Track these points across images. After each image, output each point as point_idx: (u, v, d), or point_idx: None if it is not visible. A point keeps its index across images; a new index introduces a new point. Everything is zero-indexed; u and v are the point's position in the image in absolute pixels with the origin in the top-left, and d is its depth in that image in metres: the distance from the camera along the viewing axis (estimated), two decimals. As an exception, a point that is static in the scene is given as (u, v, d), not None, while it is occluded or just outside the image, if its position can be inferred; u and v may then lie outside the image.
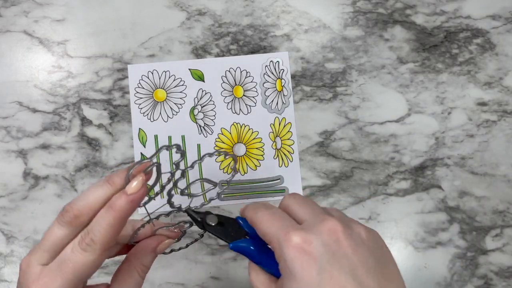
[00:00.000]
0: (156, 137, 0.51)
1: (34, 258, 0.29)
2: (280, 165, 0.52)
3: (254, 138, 0.52)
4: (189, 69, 0.53)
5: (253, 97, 0.53)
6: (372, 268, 0.27)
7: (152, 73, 0.52)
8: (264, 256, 0.32)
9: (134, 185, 0.29)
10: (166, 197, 0.33)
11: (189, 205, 0.36)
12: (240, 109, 0.52)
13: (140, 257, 0.34)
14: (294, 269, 0.27)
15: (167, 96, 0.52)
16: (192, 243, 0.40)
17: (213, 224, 0.34)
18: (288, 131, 0.52)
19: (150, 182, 0.31)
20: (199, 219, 0.34)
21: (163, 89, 0.52)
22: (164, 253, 0.39)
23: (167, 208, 0.35)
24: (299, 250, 0.27)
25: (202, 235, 0.38)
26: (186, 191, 0.36)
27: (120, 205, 0.28)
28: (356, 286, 0.26)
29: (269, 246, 0.31)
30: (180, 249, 0.40)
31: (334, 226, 0.28)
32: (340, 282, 0.26)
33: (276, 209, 0.32)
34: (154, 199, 0.34)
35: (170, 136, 0.51)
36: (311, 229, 0.28)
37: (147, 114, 0.52)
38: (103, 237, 0.28)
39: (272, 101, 0.53)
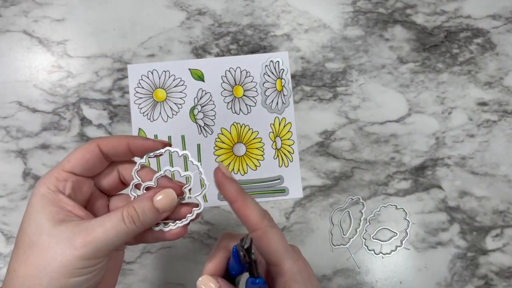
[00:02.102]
0: (156, 137, 0.51)
1: None
2: (280, 165, 0.52)
3: (254, 138, 0.52)
4: (189, 69, 0.52)
5: (253, 97, 0.52)
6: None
7: (152, 73, 0.52)
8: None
9: (166, 205, 0.31)
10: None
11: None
12: (240, 109, 0.52)
13: (134, 201, 0.31)
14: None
15: (167, 96, 0.52)
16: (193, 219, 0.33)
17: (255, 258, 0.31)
18: (288, 131, 0.52)
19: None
20: (246, 253, 0.30)
21: (163, 89, 0.52)
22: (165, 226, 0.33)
23: None
24: (309, 276, 0.31)
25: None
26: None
27: (148, 221, 0.31)
28: None
29: (272, 268, 0.31)
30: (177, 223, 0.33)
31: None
32: None
33: (277, 228, 0.33)
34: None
35: (170, 136, 0.51)
36: (299, 254, 0.33)
37: (147, 114, 0.52)
38: (109, 244, 0.30)
39: (272, 101, 0.52)
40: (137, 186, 0.33)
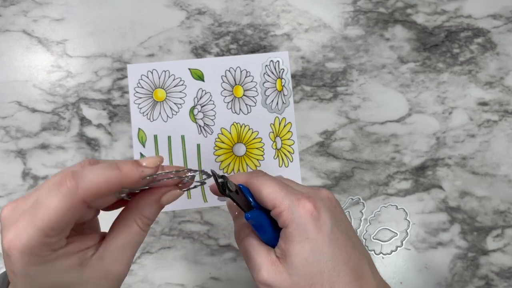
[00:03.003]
0: (155, 137, 0.51)
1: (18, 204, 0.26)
2: (280, 165, 0.51)
3: (254, 138, 0.52)
4: (188, 68, 0.52)
5: (253, 97, 0.52)
6: (351, 227, 0.33)
7: (152, 73, 0.52)
8: (267, 226, 0.33)
9: (151, 161, 0.28)
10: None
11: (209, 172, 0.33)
12: (240, 109, 0.52)
13: (141, 208, 0.30)
14: (308, 232, 0.30)
15: (166, 96, 0.52)
16: (195, 187, 0.33)
17: (233, 190, 0.32)
18: (288, 131, 0.52)
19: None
20: (220, 182, 0.32)
21: (162, 88, 0.52)
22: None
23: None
24: (312, 215, 0.30)
25: (203, 183, 0.34)
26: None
27: (128, 169, 0.27)
28: (351, 244, 0.31)
29: (272, 212, 0.32)
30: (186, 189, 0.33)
31: (329, 195, 0.33)
32: (342, 242, 0.31)
33: (275, 177, 0.34)
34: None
35: (170, 136, 0.51)
36: (315, 197, 0.32)
37: (147, 114, 0.51)
38: (90, 188, 0.25)
39: (272, 101, 0.52)
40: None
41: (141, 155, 0.51)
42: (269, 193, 0.32)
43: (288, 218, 0.31)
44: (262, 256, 0.32)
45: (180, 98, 0.52)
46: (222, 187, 0.31)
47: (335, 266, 0.30)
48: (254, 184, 0.32)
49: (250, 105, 0.52)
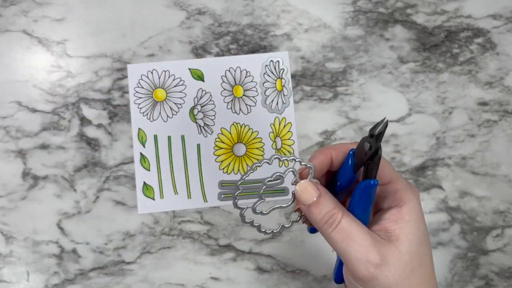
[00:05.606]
0: (155, 137, 0.51)
1: None
2: (280, 165, 0.52)
3: (254, 138, 0.52)
4: (188, 68, 0.52)
5: (253, 97, 0.52)
6: None
7: (152, 73, 0.52)
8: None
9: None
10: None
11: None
12: (240, 109, 0.52)
13: None
14: (420, 214, 0.32)
15: (166, 96, 0.52)
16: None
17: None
18: (288, 131, 0.52)
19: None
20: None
21: (162, 88, 0.52)
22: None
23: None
24: (420, 201, 0.33)
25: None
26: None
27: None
28: None
29: (386, 187, 0.32)
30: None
31: None
32: None
33: None
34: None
35: (170, 136, 0.51)
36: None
37: (147, 114, 0.52)
38: None
39: (272, 101, 0.52)
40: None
41: (141, 155, 0.51)
42: (387, 167, 0.32)
43: (405, 197, 0.31)
44: (368, 235, 0.30)
45: (180, 98, 0.52)
46: (376, 144, 0.29)
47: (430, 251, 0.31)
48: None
49: (250, 105, 0.52)
